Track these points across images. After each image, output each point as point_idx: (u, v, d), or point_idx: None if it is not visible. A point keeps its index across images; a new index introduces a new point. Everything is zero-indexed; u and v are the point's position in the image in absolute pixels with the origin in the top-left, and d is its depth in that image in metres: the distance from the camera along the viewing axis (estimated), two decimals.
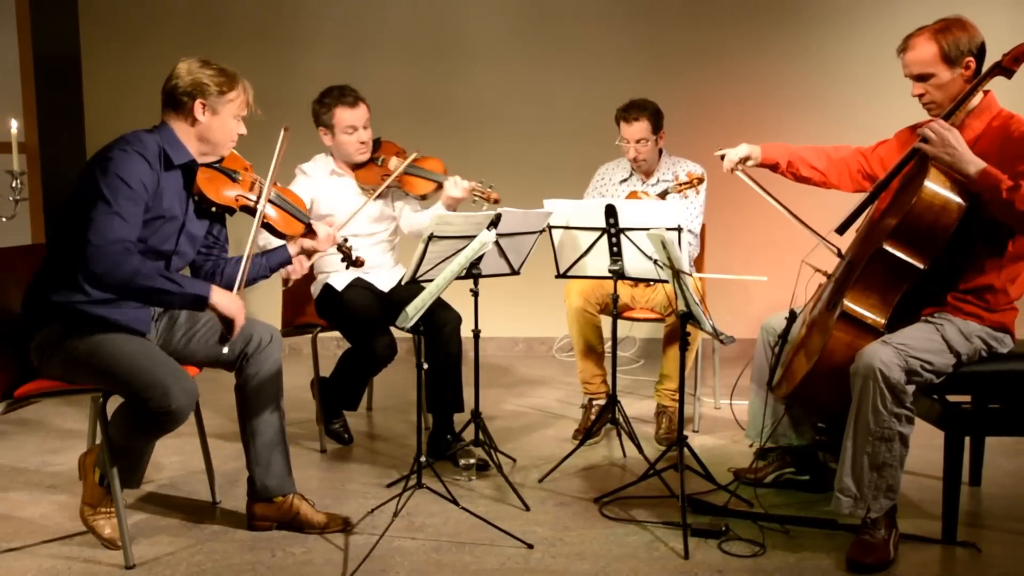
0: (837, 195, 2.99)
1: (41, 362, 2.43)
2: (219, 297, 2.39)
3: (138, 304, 2.46)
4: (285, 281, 3.30)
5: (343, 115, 3.38)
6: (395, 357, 3.29)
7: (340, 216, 3.35)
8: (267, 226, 2.66)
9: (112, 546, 2.51)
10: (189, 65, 2.48)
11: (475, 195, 3.41)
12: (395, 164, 3.47)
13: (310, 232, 2.75)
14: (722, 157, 2.96)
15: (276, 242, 2.81)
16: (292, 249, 2.72)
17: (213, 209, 2.57)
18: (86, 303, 2.39)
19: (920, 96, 2.56)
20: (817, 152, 2.91)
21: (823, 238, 2.57)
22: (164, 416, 2.33)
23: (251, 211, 2.58)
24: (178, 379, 2.35)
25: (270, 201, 2.63)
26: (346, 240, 2.86)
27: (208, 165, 2.57)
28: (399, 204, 3.57)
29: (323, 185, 3.45)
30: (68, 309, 2.38)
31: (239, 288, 2.49)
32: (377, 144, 3.51)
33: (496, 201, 3.40)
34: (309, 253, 2.76)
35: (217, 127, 2.50)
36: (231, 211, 2.60)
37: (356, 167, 3.49)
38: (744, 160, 2.92)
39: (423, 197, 3.53)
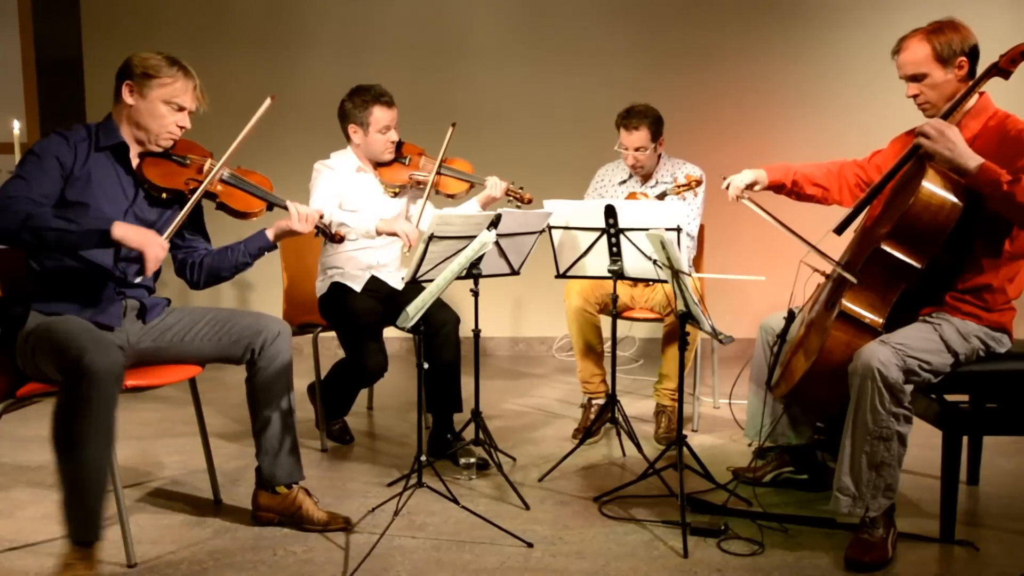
0: (835, 207, 3.00)
1: (25, 366, 2.45)
2: (123, 230, 2.32)
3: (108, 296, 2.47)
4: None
5: (380, 114, 3.40)
6: (385, 372, 3.31)
7: (365, 212, 3.38)
8: (221, 205, 2.62)
9: None
10: (138, 52, 2.51)
11: (510, 194, 3.47)
12: (424, 164, 3.51)
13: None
14: (727, 187, 2.90)
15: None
16: (270, 233, 2.67)
17: (164, 195, 2.54)
18: (41, 300, 2.43)
19: (915, 97, 2.59)
20: (818, 169, 2.92)
21: (836, 263, 2.55)
22: (80, 379, 2.19)
23: (208, 195, 2.57)
24: (97, 345, 2.26)
25: (222, 180, 2.60)
26: (322, 217, 2.74)
27: (156, 154, 2.56)
28: (415, 207, 3.60)
29: (348, 181, 3.45)
30: (28, 311, 2.43)
31: (168, 236, 2.45)
32: (399, 145, 3.53)
33: (530, 201, 3.48)
34: (289, 234, 2.68)
35: (145, 111, 2.49)
36: (183, 195, 2.54)
37: (379, 165, 3.51)
38: (751, 186, 2.89)
39: (452, 196, 3.55)
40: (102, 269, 2.50)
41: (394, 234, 3.28)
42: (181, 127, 2.55)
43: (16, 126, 3.09)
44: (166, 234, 2.45)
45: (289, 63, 5.27)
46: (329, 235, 2.78)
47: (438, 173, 3.46)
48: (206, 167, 2.61)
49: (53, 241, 2.30)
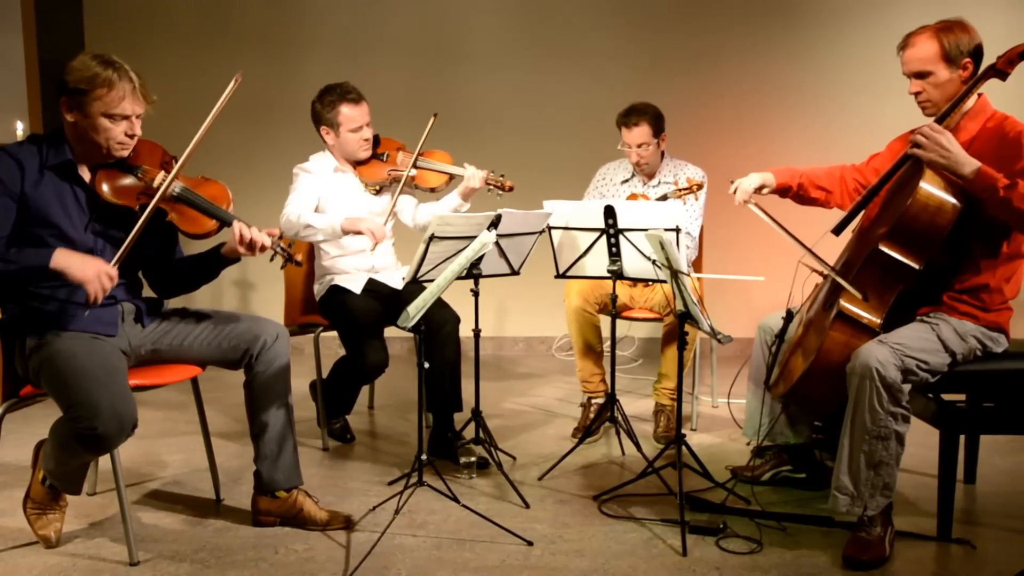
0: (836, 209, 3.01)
1: (26, 377, 2.45)
2: (65, 261, 2.25)
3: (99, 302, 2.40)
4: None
5: (348, 112, 3.39)
6: (386, 369, 3.32)
7: (345, 212, 3.38)
8: (170, 224, 2.49)
9: (45, 544, 2.54)
10: (72, 61, 2.35)
11: (490, 184, 3.42)
12: (402, 159, 3.49)
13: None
14: (734, 191, 2.89)
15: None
16: (225, 251, 2.56)
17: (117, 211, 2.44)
18: (37, 307, 2.39)
19: (917, 94, 2.58)
20: (821, 172, 2.92)
21: (836, 273, 2.55)
22: (89, 438, 2.25)
23: (159, 211, 2.43)
24: (112, 403, 2.24)
25: (174, 198, 2.46)
26: (281, 236, 2.57)
27: (111, 165, 2.45)
28: (403, 202, 3.60)
29: (327, 183, 3.46)
30: (24, 320, 2.40)
31: (116, 261, 2.34)
32: (376, 141, 3.52)
33: (511, 189, 3.43)
34: (248, 248, 2.51)
35: (87, 127, 2.36)
36: (134, 212, 2.42)
37: (358, 163, 3.51)
38: (759, 189, 2.87)
39: (433, 190, 3.53)
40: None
41: (359, 232, 3.25)
42: (130, 135, 2.40)
43: (19, 127, 3.10)
44: (113, 260, 2.34)
45: (290, 64, 5.28)
46: (288, 256, 2.55)
47: (415, 167, 3.44)
48: (156, 181, 2.46)
49: (5, 285, 2.28)
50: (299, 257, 2.57)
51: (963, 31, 2.51)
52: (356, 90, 3.43)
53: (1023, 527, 2.71)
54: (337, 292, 3.42)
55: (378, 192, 3.52)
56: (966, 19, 2.54)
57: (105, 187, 2.43)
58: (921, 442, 2.95)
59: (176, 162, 2.48)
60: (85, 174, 2.46)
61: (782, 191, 2.92)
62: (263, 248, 2.51)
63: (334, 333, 3.52)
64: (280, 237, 2.56)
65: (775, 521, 2.68)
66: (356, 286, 3.42)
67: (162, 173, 2.49)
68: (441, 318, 3.30)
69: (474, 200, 3.48)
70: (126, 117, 2.38)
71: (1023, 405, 2.58)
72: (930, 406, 2.62)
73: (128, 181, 2.47)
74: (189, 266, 2.66)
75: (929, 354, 2.45)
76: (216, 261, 2.61)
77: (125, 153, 2.44)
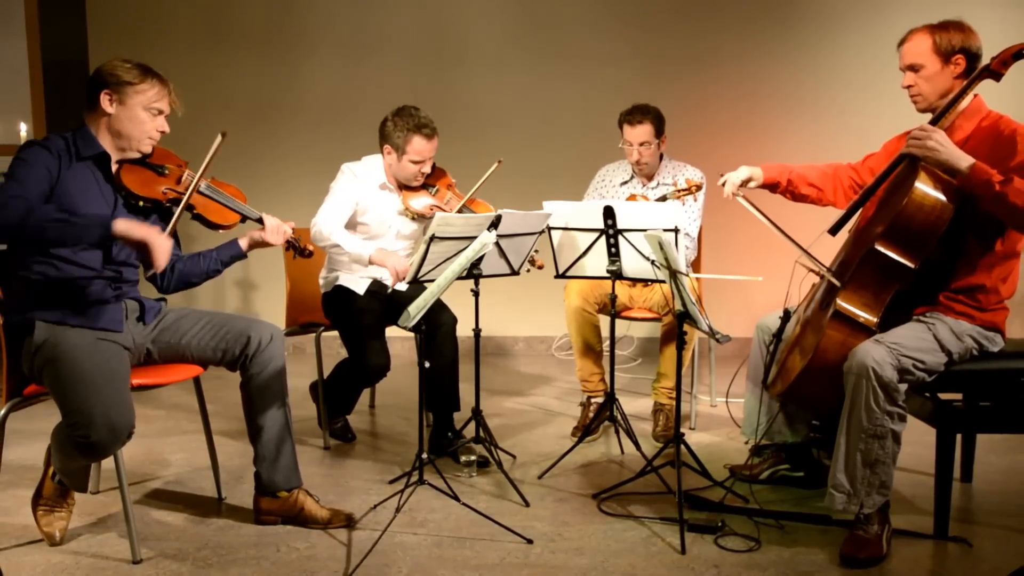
0: (830, 208, 3.03)
1: (31, 376, 2.48)
2: (125, 225, 2.33)
3: (96, 298, 2.49)
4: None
5: (419, 146, 3.35)
6: (388, 372, 3.32)
7: (375, 228, 3.44)
8: (197, 216, 2.65)
9: (49, 541, 2.57)
10: (106, 62, 2.53)
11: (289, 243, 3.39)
12: (449, 199, 3.47)
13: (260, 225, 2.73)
14: (723, 184, 2.93)
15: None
16: (243, 243, 2.72)
17: (141, 204, 2.55)
18: (42, 308, 2.43)
19: (909, 88, 2.63)
20: (813, 170, 2.95)
21: (828, 268, 2.57)
22: (83, 445, 2.30)
23: (186, 206, 2.59)
24: (107, 412, 2.28)
25: (200, 192, 2.63)
26: (294, 231, 2.79)
27: (134, 161, 2.58)
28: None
29: (370, 194, 3.43)
30: (31, 320, 2.43)
31: (169, 231, 2.46)
32: (431, 169, 3.49)
33: (541, 267, 3.40)
34: (261, 245, 2.74)
35: (126, 118, 2.51)
36: (160, 204, 2.58)
37: (404, 187, 3.49)
38: (746, 183, 2.92)
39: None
40: (93, 272, 2.50)
41: (384, 266, 3.26)
42: (161, 131, 2.57)
43: (23, 128, 3.12)
44: (167, 230, 2.45)
45: (292, 67, 5.30)
46: (299, 249, 2.80)
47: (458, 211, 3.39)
48: (184, 177, 2.63)
49: (54, 235, 2.29)
50: (310, 247, 2.82)
51: (958, 30, 2.55)
52: (432, 124, 3.38)
53: (1019, 525, 2.72)
54: (341, 292, 3.44)
55: (414, 219, 3.50)
56: (966, 22, 2.58)
57: (132, 179, 2.56)
58: (918, 441, 2.97)
59: (188, 167, 2.67)
60: (113, 167, 2.57)
61: (771, 186, 2.95)
62: (286, 238, 2.74)
63: (335, 333, 3.54)
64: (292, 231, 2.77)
65: (773, 519, 2.70)
66: (360, 287, 3.43)
67: (188, 171, 2.65)
68: (439, 319, 3.32)
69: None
70: (161, 112, 2.55)
71: (1019, 404, 2.59)
72: (927, 405, 2.64)
73: (153, 176, 2.60)
74: (202, 258, 2.72)
75: (925, 353, 2.47)
76: (234, 251, 2.73)
77: (149, 149, 2.59)
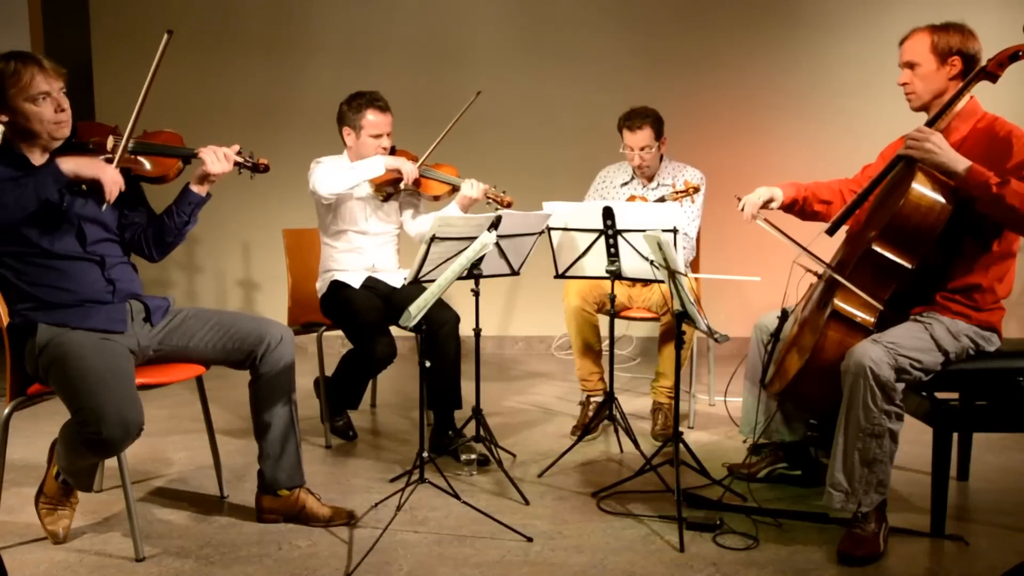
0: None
1: (35, 376, 2.49)
2: (73, 164, 2.35)
3: (99, 299, 2.49)
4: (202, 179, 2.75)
5: (373, 119, 3.46)
6: (395, 358, 3.34)
7: (348, 217, 3.50)
8: (136, 177, 2.60)
9: (53, 540, 2.58)
10: None
11: (489, 197, 3.52)
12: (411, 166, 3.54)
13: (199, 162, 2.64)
14: (741, 208, 2.88)
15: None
16: (194, 186, 2.64)
17: (84, 187, 2.47)
18: (42, 310, 2.44)
19: (904, 85, 2.64)
20: (823, 187, 2.95)
21: (848, 283, 2.55)
22: (95, 442, 2.29)
23: (122, 171, 2.52)
24: (118, 409, 2.27)
25: (129, 153, 2.56)
26: (240, 152, 2.68)
27: (61, 150, 2.48)
28: (407, 211, 3.67)
29: None
30: (32, 322, 2.44)
31: (116, 164, 2.46)
32: (392, 151, 3.56)
33: (509, 204, 3.51)
34: (212, 179, 2.64)
35: (21, 118, 2.40)
36: (96, 185, 2.47)
37: None
38: (767, 204, 2.88)
39: (436, 198, 3.63)
40: (77, 255, 2.49)
41: (398, 170, 3.39)
42: (61, 110, 2.43)
43: None
44: (114, 163, 2.44)
45: (294, 68, 5.32)
46: (252, 166, 2.70)
47: (421, 176, 3.51)
48: (109, 145, 2.55)
49: (11, 199, 2.29)
50: (263, 161, 2.72)
51: (957, 32, 2.56)
52: (384, 100, 3.50)
53: (1015, 523, 2.73)
54: (338, 287, 3.47)
55: (385, 199, 3.57)
56: (968, 26, 2.59)
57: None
58: (915, 440, 2.99)
59: (117, 129, 2.59)
60: (39, 162, 2.49)
61: (789, 206, 2.93)
62: (233, 160, 2.63)
63: (337, 332, 3.56)
64: (239, 152, 2.67)
65: (771, 517, 2.71)
66: (356, 281, 3.48)
67: (112, 137, 2.58)
68: (441, 318, 3.34)
69: (474, 210, 3.51)
70: (47, 94, 2.40)
71: (1015, 403, 2.60)
72: (923, 404, 2.65)
73: (83, 156, 2.50)
74: (167, 216, 2.66)
75: (922, 353, 2.48)
76: (188, 197, 2.64)
77: (65, 131, 2.47)
